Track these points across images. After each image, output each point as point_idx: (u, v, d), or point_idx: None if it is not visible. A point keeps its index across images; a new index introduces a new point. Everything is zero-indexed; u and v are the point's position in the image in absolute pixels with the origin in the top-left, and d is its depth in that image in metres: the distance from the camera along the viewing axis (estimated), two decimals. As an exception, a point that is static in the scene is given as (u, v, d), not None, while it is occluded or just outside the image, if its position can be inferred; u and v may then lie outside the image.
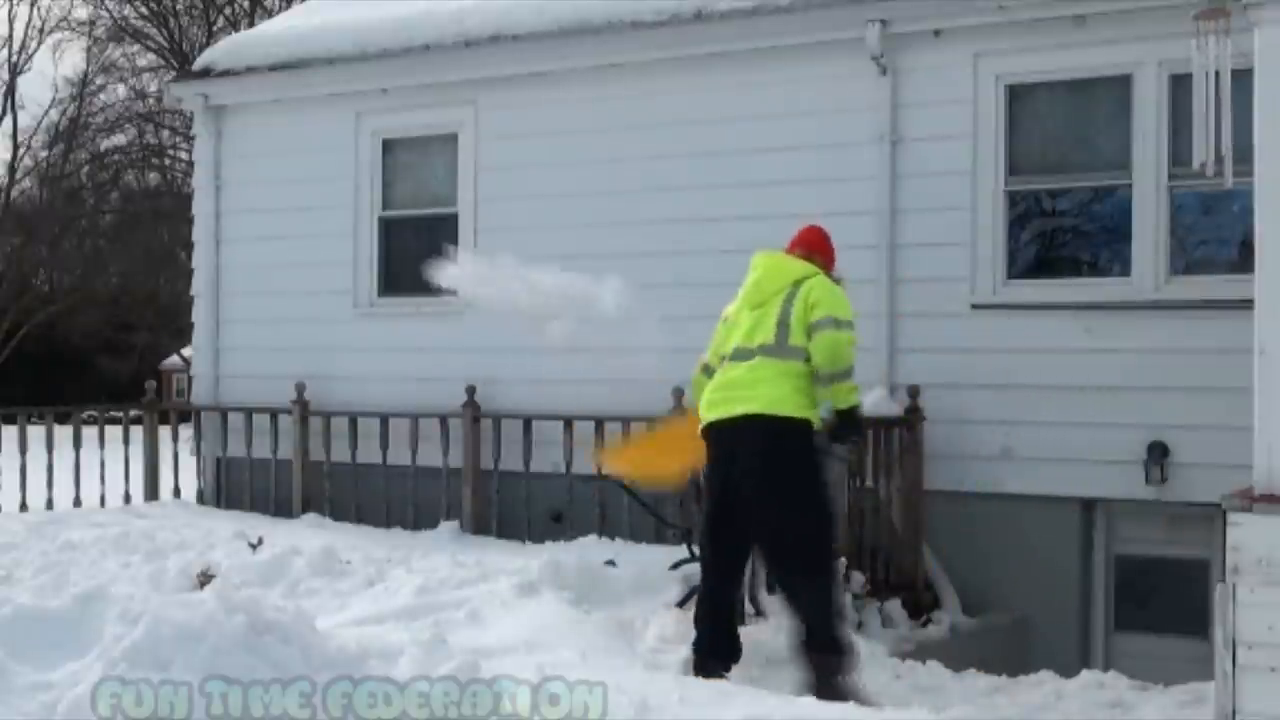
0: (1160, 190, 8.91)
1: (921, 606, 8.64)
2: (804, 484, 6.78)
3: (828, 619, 6.72)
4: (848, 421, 7.06)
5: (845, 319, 6.82)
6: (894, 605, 8.35)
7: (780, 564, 6.97)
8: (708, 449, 7.04)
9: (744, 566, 7.24)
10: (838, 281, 7.08)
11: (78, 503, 11.77)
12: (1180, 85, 8.49)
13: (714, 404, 6.97)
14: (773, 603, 7.59)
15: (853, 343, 6.89)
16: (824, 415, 7.02)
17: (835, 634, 6.69)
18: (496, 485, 10.67)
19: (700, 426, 7.07)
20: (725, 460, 6.91)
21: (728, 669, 6.83)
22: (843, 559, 7.55)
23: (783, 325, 6.85)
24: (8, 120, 39.53)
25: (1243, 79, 6.35)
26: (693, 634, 7.33)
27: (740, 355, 6.97)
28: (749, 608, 7.63)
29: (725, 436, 6.89)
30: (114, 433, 11.92)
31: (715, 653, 6.87)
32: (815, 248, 7.22)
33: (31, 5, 46.39)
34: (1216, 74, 6.55)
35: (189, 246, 13.51)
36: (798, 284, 6.90)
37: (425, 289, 11.50)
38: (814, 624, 6.68)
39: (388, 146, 11.77)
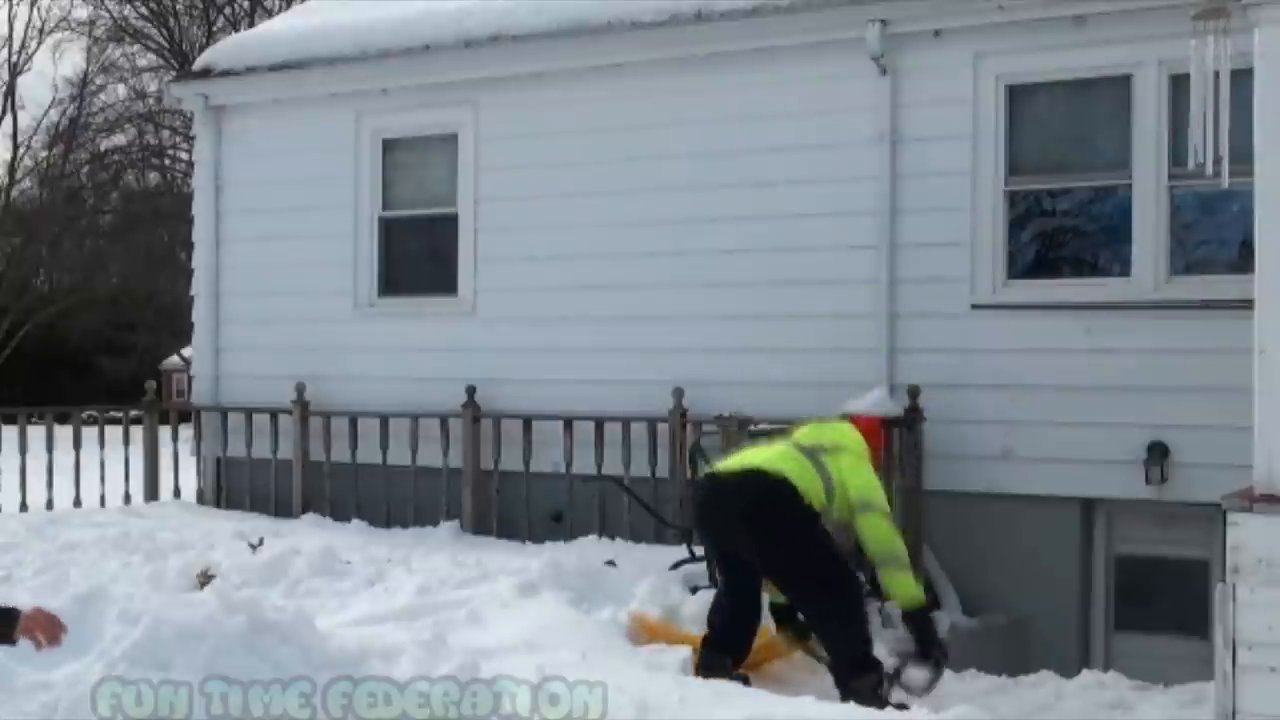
0: (1160, 190, 8.91)
1: (921, 607, 8.61)
2: (790, 536, 6.89)
3: (850, 644, 6.81)
4: (921, 627, 7.00)
5: (878, 502, 6.99)
6: (894, 605, 8.32)
7: (795, 605, 7.11)
8: (703, 498, 7.30)
9: (758, 591, 7.23)
10: None
11: (78, 503, 11.77)
12: (1180, 85, 8.47)
13: (723, 464, 7.25)
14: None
15: (894, 528, 7.04)
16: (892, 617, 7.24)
17: (858, 654, 6.78)
18: (496, 485, 10.67)
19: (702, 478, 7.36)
20: (712, 514, 7.16)
21: (737, 664, 6.88)
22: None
23: (815, 444, 7.11)
24: (8, 120, 39.55)
25: (1243, 79, 6.35)
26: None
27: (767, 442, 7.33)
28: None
29: (716, 489, 7.14)
30: (114, 433, 11.93)
31: (723, 645, 6.93)
32: (861, 427, 7.45)
33: (31, 5, 46.29)
34: (1216, 74, 6.54)
35: (189, 246, 13.51)
36: (838, 438, 7.20)
37: (425, 289, 11.59)
38: (836, 654, 6.85)
39: (388, 146, 11.77)
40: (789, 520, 6.89)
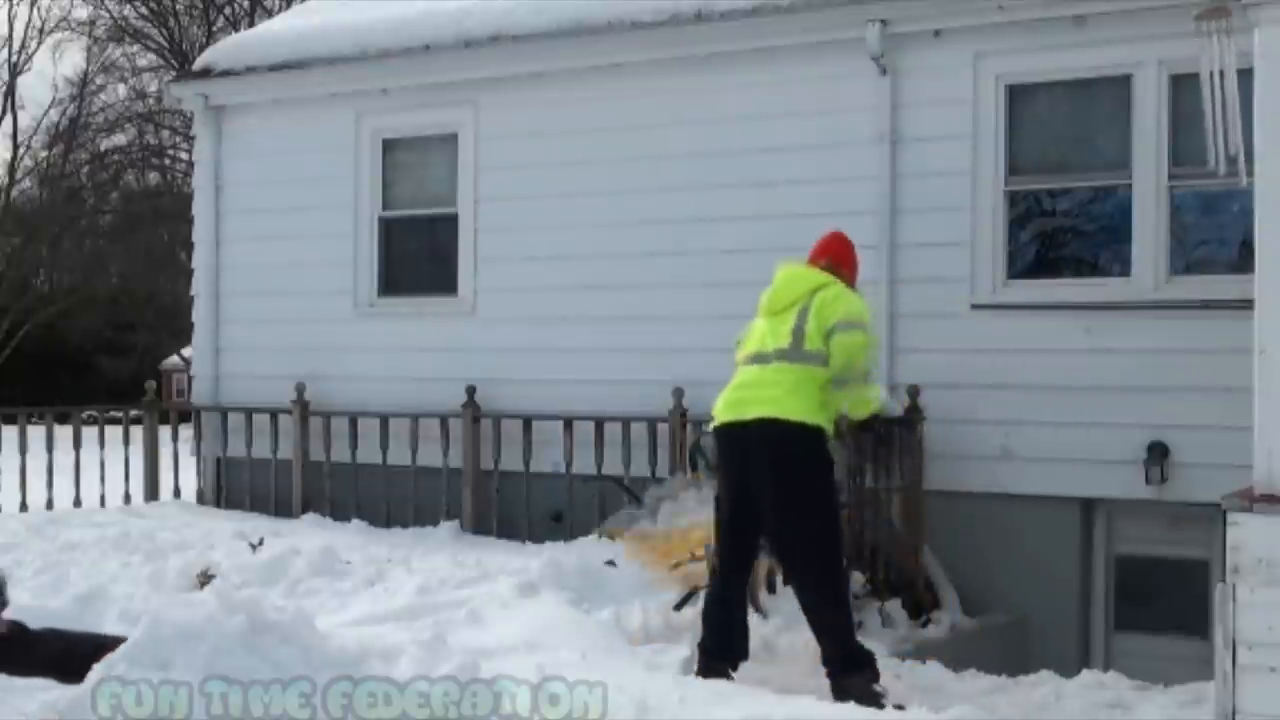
0: (1160, 190, 8.90)
1: (921, 606, 8.62)
2: (811, 490, 6.77)
3: (842, 630, 6.73)
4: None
5: (859, 320, 6.91)
6: (894, 605, 8.32)
7: (794, 570, 6.96)
8: (719, 451, 7.06)
9: (752, 567, 7.23)
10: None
11: (78, 503, 11.76)
12: (1180, 85, 8.50)
13: (728, 405, 6.99)
14: (772, 601, 7.59)
15: (869, 345, 6.99)
16: (841, 420, 7.12)
17: (852, 646, 6.71)
18: (496, 485, 10.67)
19: (713, 426, 7.10)
20: (737, 463, 6.92)
21: (735, 668, 6.83)
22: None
23: (798, 332, 6.90)
24: (8, 120, 39.62)
25: (1244, 79, 6.34)
26: (687, 634, 7.33)
27: (756, 359, 7.01)
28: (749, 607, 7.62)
29: (736, 439, 6.90)
30: (114, 433, 11.92)
31: (722, 653, 6.86)
32: (839, 260, 7.29)
33: (31, 5, 46.41)
34: (1220, 74, 6.53)
35: (189, 246, 13.52)
36: (814, 293, 6.98)
37: (425, 289, 11.59)
38: (830, 637, 6.71)
39: (388, 146, 11.77)
40: (809, 467, 6.74)
